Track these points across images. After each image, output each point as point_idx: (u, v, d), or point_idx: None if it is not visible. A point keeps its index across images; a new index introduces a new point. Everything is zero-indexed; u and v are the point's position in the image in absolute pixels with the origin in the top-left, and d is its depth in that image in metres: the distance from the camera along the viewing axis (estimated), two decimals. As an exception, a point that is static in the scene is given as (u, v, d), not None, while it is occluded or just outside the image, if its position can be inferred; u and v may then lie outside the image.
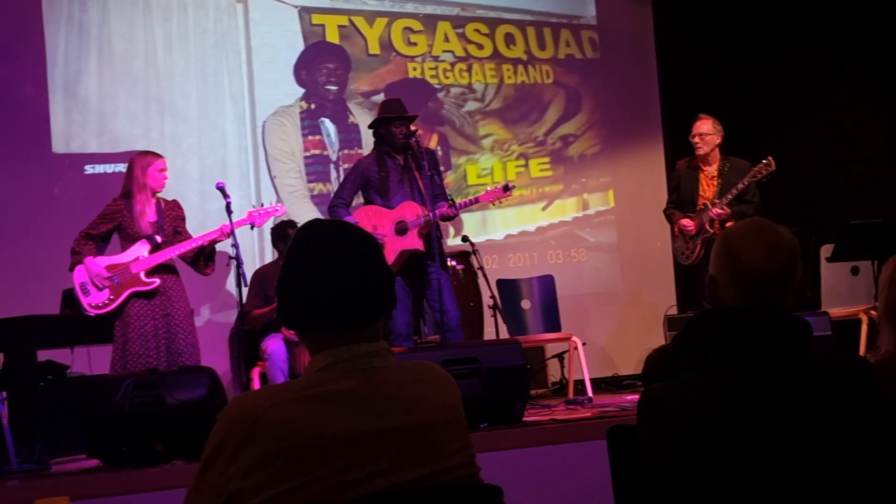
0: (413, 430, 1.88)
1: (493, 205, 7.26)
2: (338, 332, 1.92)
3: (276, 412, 1.82)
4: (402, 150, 6.72)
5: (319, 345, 1.93)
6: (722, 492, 1.92)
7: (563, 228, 9.17)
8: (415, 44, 8.86)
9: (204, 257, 6.28)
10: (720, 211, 6.91)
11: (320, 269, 1.92)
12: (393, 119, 6.71)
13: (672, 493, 1.97)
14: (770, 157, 6.90)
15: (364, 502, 1.80)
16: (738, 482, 1.91)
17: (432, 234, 6.52)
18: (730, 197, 6.89)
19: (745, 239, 2.11)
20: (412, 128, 6.66)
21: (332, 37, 8.61)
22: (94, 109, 7.87)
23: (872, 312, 7.12)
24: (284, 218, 7.03)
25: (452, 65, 8.97)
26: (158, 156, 6.25)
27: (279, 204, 6.65)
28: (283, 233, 7.01)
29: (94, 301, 6.02)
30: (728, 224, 6.78)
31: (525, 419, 5.60)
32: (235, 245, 6.00)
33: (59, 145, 7.76)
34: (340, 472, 1.80)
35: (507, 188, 6.72)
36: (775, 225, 2.15)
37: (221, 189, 6.16)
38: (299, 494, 1.79)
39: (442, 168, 7.64)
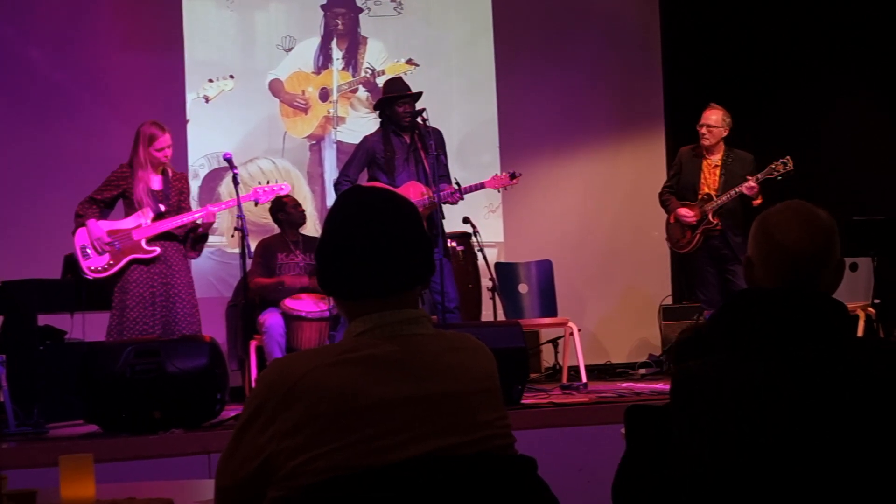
0: (449, 397, 1.87)
1: (498, 191, 7.23)
2: (378, 296, 1.91)
3: (314, 375, 1.82)
4: (408, 129, 6.66)
5: (359, 310, 1.93)
6: (754, 476, 1.90)
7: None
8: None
9: (192, 240, 6.16)
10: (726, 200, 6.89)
11: (361, 234, 1.91)
12: (396, 98, 6.68)
13: (703, 474, 1.95)
14: (788, 157, 6.86)
15: (398, 468, 1.79)
16: (770, 467, 1.90)
17: (435, 216, 6.48)
18: (737, 191, 6.88)
19: (781, 219, 2.10)
20: (419, 107, 6.56)
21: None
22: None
23: (870, 310, 7.15)
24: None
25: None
26: (163, 131, 6.03)
27: (284, 182, 6.62)
28: (280, 203, 6.97)
29: (94, 265, 5.94)
30: None
31: (522, 402, 5.62)
32: (241, 217, 5.94)
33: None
34: (376, 436, 1.80)
35: (513, 175, 6.69)
36: (812, 206, 2.13)
37: (229, 160, 6.11)
38: (335, 457, 1.78)
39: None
